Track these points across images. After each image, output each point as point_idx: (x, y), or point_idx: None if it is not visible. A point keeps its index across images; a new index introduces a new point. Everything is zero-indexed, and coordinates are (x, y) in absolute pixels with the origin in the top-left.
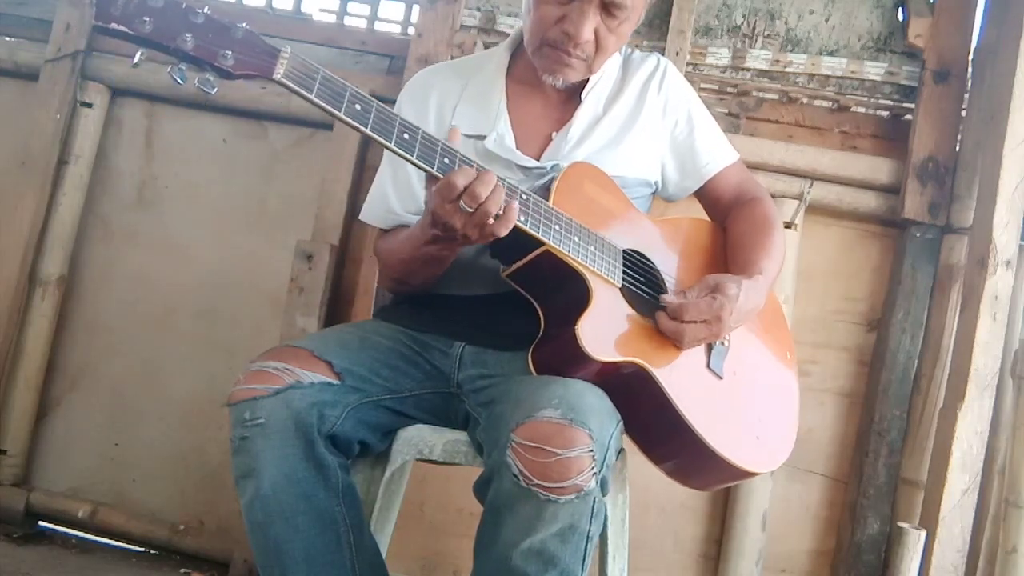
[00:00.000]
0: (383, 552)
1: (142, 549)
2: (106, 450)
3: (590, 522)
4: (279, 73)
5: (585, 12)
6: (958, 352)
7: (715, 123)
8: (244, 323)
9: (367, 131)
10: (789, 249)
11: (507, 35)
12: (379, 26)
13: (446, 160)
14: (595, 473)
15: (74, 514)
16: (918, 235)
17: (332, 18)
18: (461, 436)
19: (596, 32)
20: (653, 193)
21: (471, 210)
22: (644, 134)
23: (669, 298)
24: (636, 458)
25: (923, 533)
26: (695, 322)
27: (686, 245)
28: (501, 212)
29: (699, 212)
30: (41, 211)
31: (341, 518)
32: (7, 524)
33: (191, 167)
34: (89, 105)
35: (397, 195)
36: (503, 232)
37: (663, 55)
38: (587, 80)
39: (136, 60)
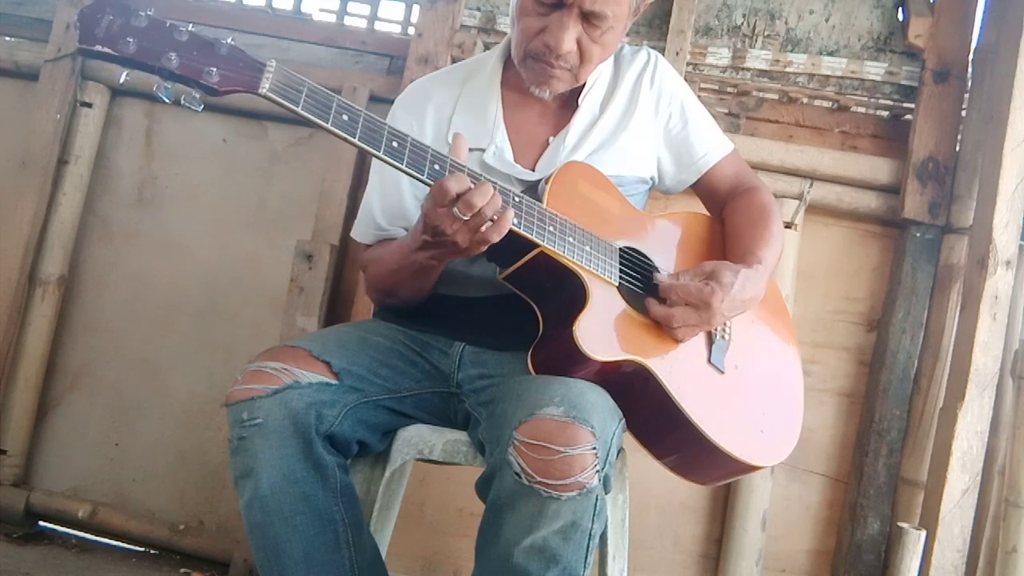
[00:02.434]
0: (383, 552)
1: (142, 549)
2: (106, 450)
3: (592, 520)
4: (264, 88)
5: (565, 23)
6: (958, 352)
7: (708, 115)
8: (244, 323)
9: (355, 141)
10: (789, 249)
11: (507, 35)
12: (379, 26)
13: (436, 167)
14: (598, 471)
15: (74, 514)
16: (918, 235)
17: (332, 18)
18: (461, 436)
19: (579, 42)
20: (650, 188)
21: (464, 217)
22: (639, 131)
23: (660, 277)
24: (636, 457)
25: (923, 533)
26: (682, 304)
27: (684, 240)
28: (495, 219)
29: (698, 206)
30: (41, 211)
31: (340, 518)
32: (7, 524)
33: (191, 167)
34: (89, 105)
35: (383, 209)
36: (495, 238)
37: (663, 55)
38: (582, 85)
39: (122, 80)
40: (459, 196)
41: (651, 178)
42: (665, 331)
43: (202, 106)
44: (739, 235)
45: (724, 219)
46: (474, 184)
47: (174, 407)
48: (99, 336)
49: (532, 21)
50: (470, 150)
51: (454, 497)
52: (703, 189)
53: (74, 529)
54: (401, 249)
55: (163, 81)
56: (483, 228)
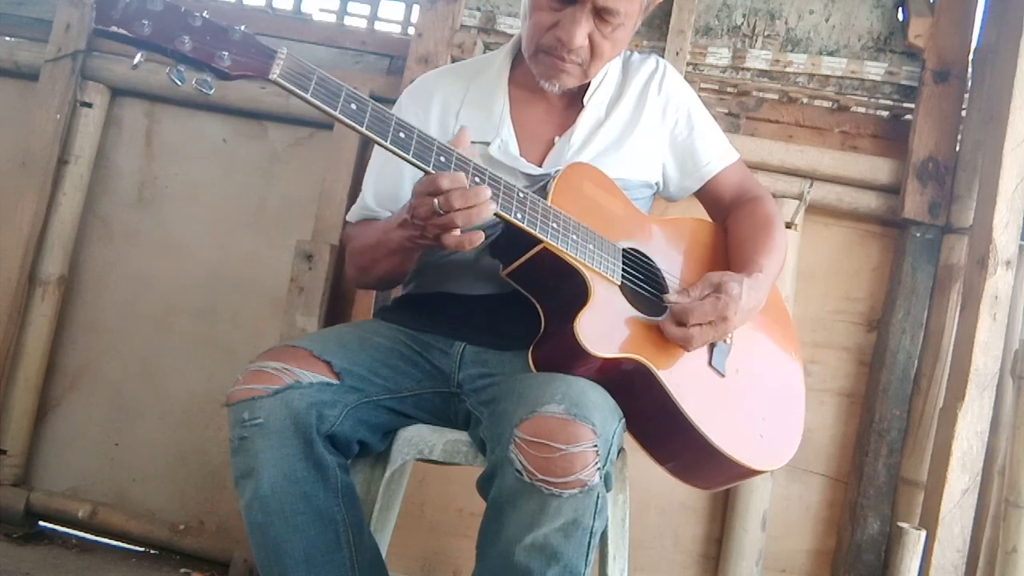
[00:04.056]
0: (383, 552)
1: (142, 549)
2: (106, 450)
3: (593, 517)
4: (275, 73)
5: (577, 18)
6: (958, 352)
7: (715, 123)
8: (244, 323)
9: (363, 130)
10: (789, 249)
11: (507, 35)
12: (379, 26)
13: (442, 159)
14: (599, 468)
15: (74, 514)
16: (918, 235)
17: (332, 18)
18: (461, 436)
19: (591, 38)
20: (654, 194)
21: (441, 212)
22: (645, 136)
23: (673, 298)
24: (636, 457)
25: (923, 533)
26: (701, 325)
27: (687, 244)
28: (469, 228)
29: (700, 212)
30: (41, 211)
31: (340, 518)
32: (7, 524)
33: (191, 167)
34: (89, 105)
35: (376, 192)
36: (449, 244)
37: (663, 55)
38: (588, 84)
39: (136, 62)
40: (445, 192)
41: (656, 183)
42: (681, 349)
43: (213, 89)
44: (742, 244)
45: (727, 227)
46: (472, 184)
47: (174, 407)
48: (99, 336)
49: (545, 16)
50: (475, 143)
51: (454, 497)
52: (707, 197)
53: (74, 529)
54: (383, 225)
55: (176, 64)
56: (454, 233)
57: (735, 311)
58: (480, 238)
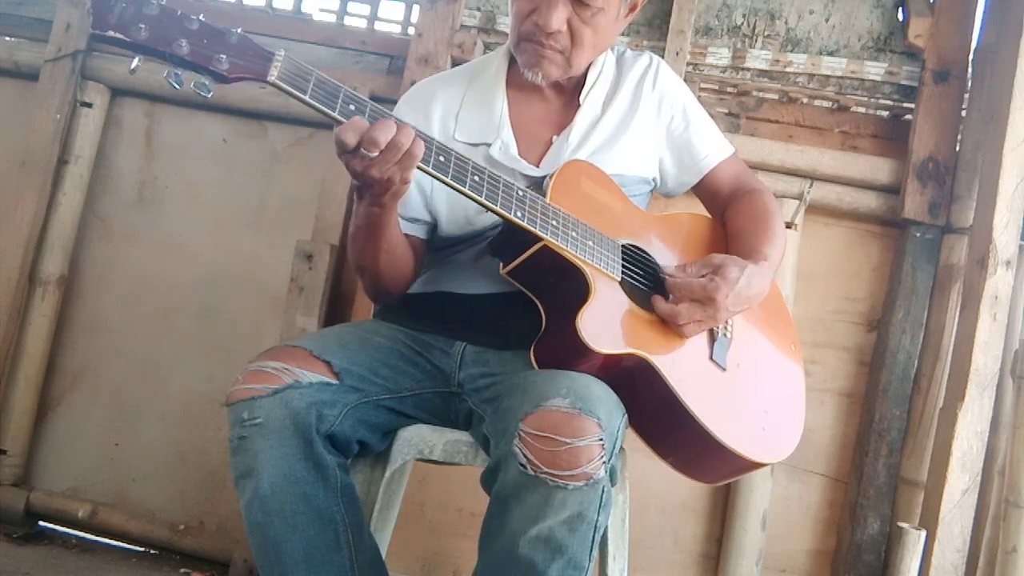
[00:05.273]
0: (383, 552)
1: (142, 549)
2: (106, 450)
3: (598, 511)
4: (273, 75)
5: (554, 2)
6: (958, 352)
7: (709, 118)
8: (244, 323)
9: None
10: (789, 249)
11: (507, 35)
12: (379, 26)
13: (441, 158)
14: (604, 462)
15: (74, 514)
16: (918, 235)
17: (332, 18)
18: (461, 436)
19: (570, 23)
20: (652, 190)
21: (373, 155)
22: (641, 132)
23: (669, 271)
24: (636, 457)
25: (923, 533)
26: (687, 301)
27: (685, 240)
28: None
29: (699, 208)
30: (41, 211)
31: (340, 518)
32: (7, 524)
33: (191, 167)
34: (89, 105)
35: None
36: (398, 165)
37: (663, 55)
38: (584, 82)
39: (133, 66)
40: (359, 142)
41: (653, 179)
42: (671, 328)
43: (211, 92)
44: (742, 234)
45: (726, 220)
46: (472, 183)
47: (174, 407)
48: (99, 336)
49: (524, 3)
50: (476, 145)
51: (454, 497)
52: (704, 191)
53: (74, 529)
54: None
55: (174, 68)
56: (392, 168)
57: (725, 295)
58: (420, 146)
